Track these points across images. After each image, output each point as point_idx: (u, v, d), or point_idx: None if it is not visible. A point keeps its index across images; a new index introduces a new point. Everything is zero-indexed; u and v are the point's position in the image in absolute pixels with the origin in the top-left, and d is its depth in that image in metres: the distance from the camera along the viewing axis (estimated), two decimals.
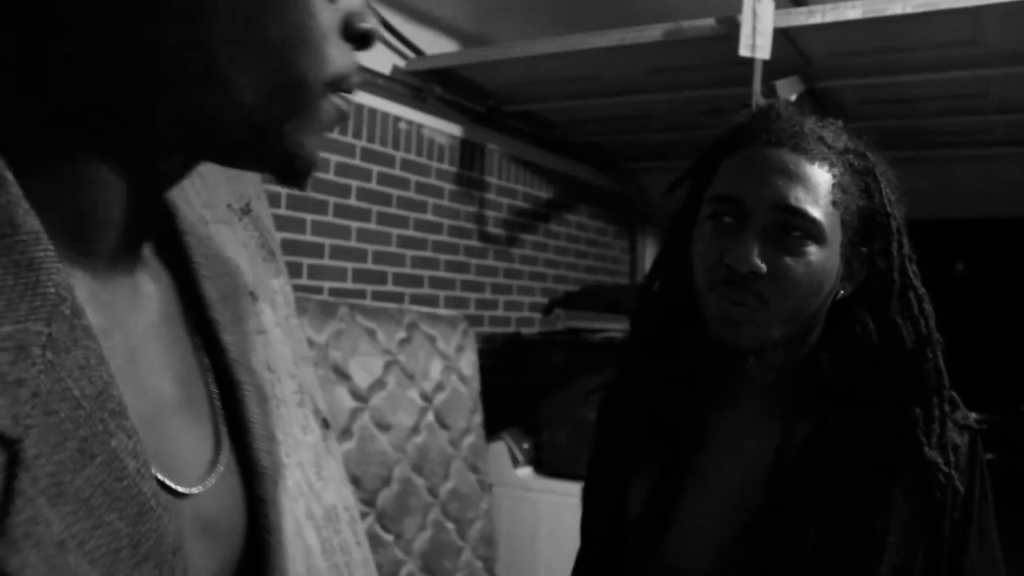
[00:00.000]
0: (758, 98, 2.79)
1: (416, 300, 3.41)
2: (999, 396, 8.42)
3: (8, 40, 0.50)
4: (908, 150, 4.06)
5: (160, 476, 0.56)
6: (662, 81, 3.26)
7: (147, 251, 0.62)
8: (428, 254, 3.50)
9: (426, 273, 3.49)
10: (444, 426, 3.03)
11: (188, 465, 0.59)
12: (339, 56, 0.56)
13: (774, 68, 2.78)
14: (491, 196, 3.85)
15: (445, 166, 3.58)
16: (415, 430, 2.91)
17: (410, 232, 3.40)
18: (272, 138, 0.55)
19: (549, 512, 3.41)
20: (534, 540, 3.44)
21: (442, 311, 3.36)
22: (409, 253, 3.40)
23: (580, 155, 4.40)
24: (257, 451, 0.66)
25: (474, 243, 3.76)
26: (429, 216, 3.50)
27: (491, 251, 3.86)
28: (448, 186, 3.60)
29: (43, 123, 0.52)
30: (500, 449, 3.46)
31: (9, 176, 0.48)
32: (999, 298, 9.69)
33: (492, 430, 3.41)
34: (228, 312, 0.68)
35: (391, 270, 3.31)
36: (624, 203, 4.84)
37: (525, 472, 3.50)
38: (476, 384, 3.21)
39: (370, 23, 0.57)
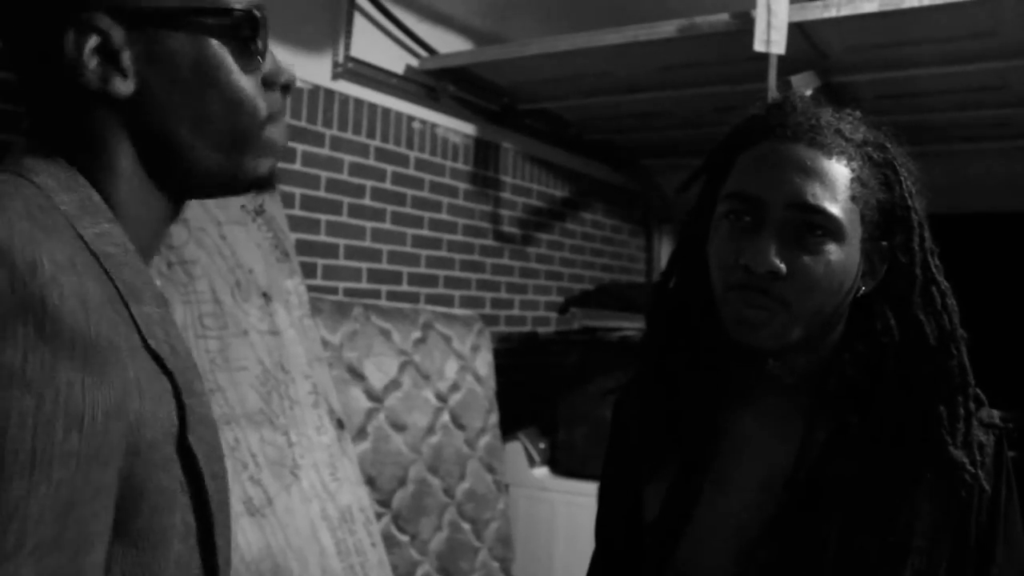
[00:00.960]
0: (773, 94, 2.76)
1: (431, 300, 3.40)
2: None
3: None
4: (927, 144, 4.03)
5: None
6: (676, 78, 3.24)
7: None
8: (443, 254, 3.49)
9: (441, 273, 3.48)
10: (460, 426, 3.02)
11: None
12: (267, 102, 0.86)
13: (789, 63, 2.75)
14: (506, 195, 3.84)
15: (459, 165, 3.57)
16: (430, 430, 2.89)
17: (425, 232, 3.39)
18: (239, 172, 0.86)
19: (565, 512, 3.40)
20: (551, 540, 3.42)
21: (457, 311, 3.35)
22: (424, 253, 3.39)
23: (595, 153, 4.38)
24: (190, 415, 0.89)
25: (489, 242, 3.74)
26: (444, 216, 3.49)
27: (506, 250, 3.85)
28: (463, 185, 3.59)
29: (138, 200, 0.84)
30: (516, 449, 3.44)
31: (118, 227, 0.79)
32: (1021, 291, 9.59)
33: (508, 430, 3.40)
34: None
35: (406, 270, 3.30)
36: (639, 201, 4.82)
37: (541, 472, 3.48)
38: (492, 384, 3.19)
39: (284, 77, 0.88)
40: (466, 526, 3.00)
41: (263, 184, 0.89)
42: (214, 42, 0.81)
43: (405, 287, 3.29)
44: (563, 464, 3.47)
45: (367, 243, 3.13)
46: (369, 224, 3.14)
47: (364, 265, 3.12)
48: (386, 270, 3.21)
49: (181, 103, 0.80)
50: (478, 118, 3.63)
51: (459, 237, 3.57)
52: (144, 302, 0.75)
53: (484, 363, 3.16)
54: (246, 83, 0.83)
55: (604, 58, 3.08)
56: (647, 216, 4.92)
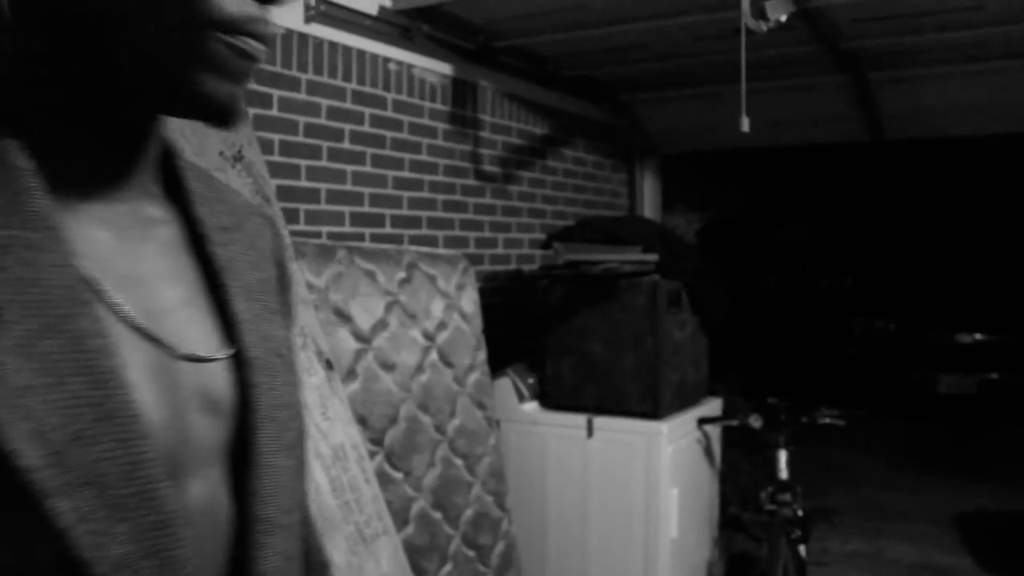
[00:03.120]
0: (748, 20, 2.76)
1: (415, 241, 3.41)
2: (1005, 317, 8.44)
3: (38, 49, 0.69)
4: (906, 68, 4.03)
5: (170, 343, 0.72)
6: (651, 8, 3.22)
7: (154, 188, 0.79)
8: (425, 195, 3.49)
9: (424, 214, 3.48)
10: (448, 364, 3.06)
11: (196, 349, 0.75)
12: (230, 2, 0.66)
13: None
14: (485, 134, 3.83)
15: (438, 106, 3.56)
16: (419, 369, 2.93)
17: (406, 173, 3.40)
18: (174, 82, 0.68)
19: (556, 444, 3.45)
20: (543, 472, 3.48)
21: (441, 251, 3.36)
22: (406, 195, 3.39)
23: (574, 89, 4.36)
24: (246, 344, 0.79)
25: (471, 182, 3.75)
26: (424, 157, 3.49)
27: (488, 189, 3.86)
28: (442, 126, 3.58)
29: (46, 100, 0.70)
30: (505, 385, 3.49)
31: (7, 132, 0.66)
32: (1004, 219, 9.65)
33: (496, 366, 3.43)
34: (224, 236, 0.83)
35: (389, 212, 3.31)
36: (620, 135, 4.82)
37: (531, 406, 3.53)
38: (478, 321, 3.22)
39: None
40: (459, 462, 3.05)
41: (210, 109, 0.71)
42: None
43: (388, 229, 3.30)
44: (552, 398, 3.52)
45: (348, 187, 3.13)
46: (349, 168, 3.14)
47: (347, 209, 3.13)
48: (369, 213, 3.22)
49: None
50: (454, 57, 3.61)
51: (440, 178, 3.57)
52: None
53: (470, 301, 3.19)
54: None
55: None
56: (629, 150, 4.93)
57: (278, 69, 2.88)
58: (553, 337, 3.50)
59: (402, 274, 2.95)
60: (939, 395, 8.40)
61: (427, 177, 3.50)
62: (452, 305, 3.11)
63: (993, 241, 9.41)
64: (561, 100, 4.31)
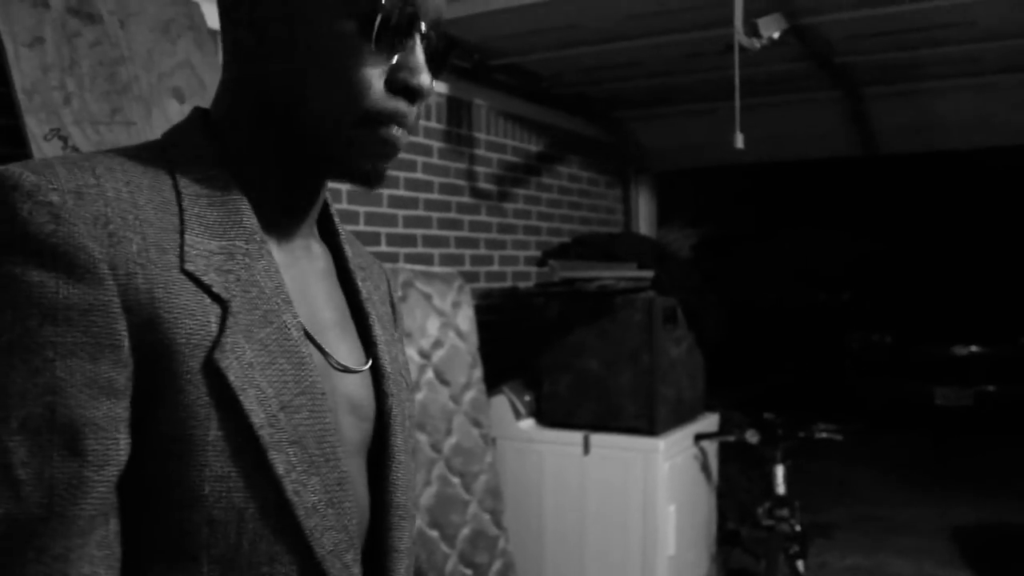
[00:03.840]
0: (741, 37, 2.77)
1: (410, 259, 3.41)
2: (1000, 329, 8.45)
3: (251, 113, 0.89)
4: (899, 83, 4.04)
5: (328, 354, 0.90)
6: (644, 26, 3.24)
7: (315, 229, 0.98)
8: (420, 213, 3.50)
9: (419, 232, 3.49)
10: (444, 382, 3.05)
11: (344, 361, 0.92)
12: (379, 99, 0.84)
13: (756, 6, 2.76)
14: (481, 152, 3.84)
15: (433, 124, 3.57)
16: (415, 387, 2.92)
17: (401, 192, 3.40)
18: (337, 159, 0.87)
19: (553, 462, 3.45)
20: (540, 490, 3.47)
21: (437, 268, 3.36)
22: (401, 213, 3.40)
23: (568, 106, 4.38)
24: (383, 360, 0.97)
25: (466, 200, 3.75)
26: (419, 175, 3.49)
27: (483, 207, 3.86)
28: (437, 144, 3.59)
29: (254, 152, 0.89)
30: (501, 402, 3.48)
31: (227, 170, 0.87)
32: (999, 231, 9.67)
33: (493, 384, 3.43)
34: (362, 272, 1.02)
35: (384, 230, 3.31)
36: (615, 152, 4.83)
37: (527, 424, 3.53)
38: (474, 339, 3.22)
39: (413, 80, 0.84)
40: (455, 480, 3.04)
41: (361, 179, 0.89)
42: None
43: (384, 248, 3.30)
44: (548, 415, 3.51)
45: (344, 206, 3.14)
46: (345, 187, 3.14)
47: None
48: (363, 232, 3.22)
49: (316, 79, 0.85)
50: (450, 76, 3.62)
51: (436, 196, 3.58)
52: (213, 236, 0.81)
53: (466, 319, 3.19)
54: (366, 67, 0.83)
55: (570, 9, 3.07)
56: (623, 167, 4.94)
57: None
58: (549, 354, 3.50)
59: (398, 293, 2.95)
60: (936, 408, 8.40)
61: (422, 195, 3.50)
62: (448, 323, 3.11)
63: (988, 253, 9.43)
64: (556, 117, 4.32)
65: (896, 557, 5.17)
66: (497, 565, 3.17)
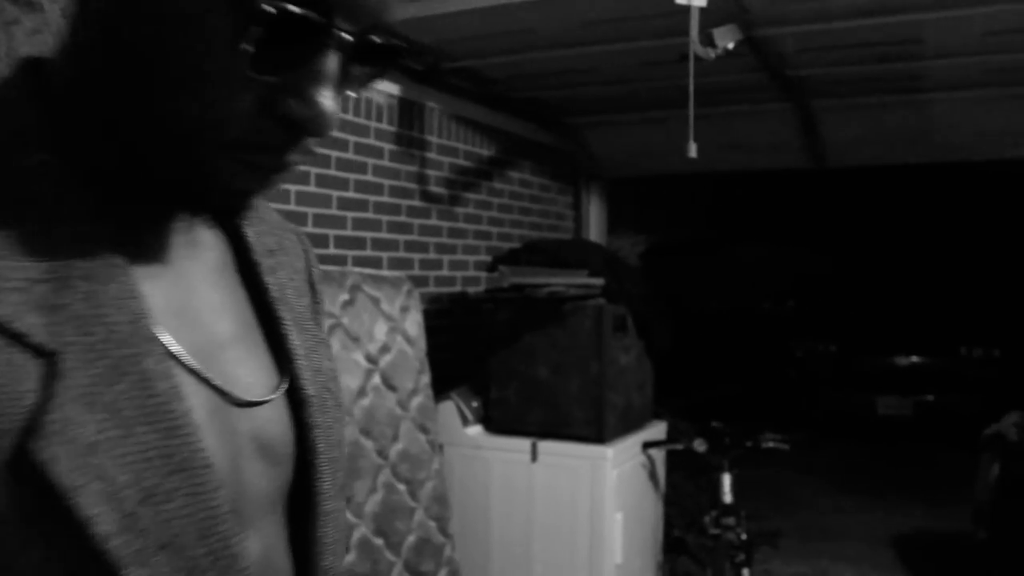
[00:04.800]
0: (696, 47, 2.77)
1: (359, 262, 3.37)
2: (940, 340, 8.61)
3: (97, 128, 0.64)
4: (846, 97, 4.09)
5: (225, 388, 0.66)
6: (599, 33, 3.23)
7: (206, 220, 0.73)
8: (370, 215, 3.45)
9: (368, 235, 3.44)
10: (391, 387, 3.01)
11: (248, 391, 0.69)
12: (246, 126, 0.60)
13: (711, 16, 2.76)
14: (432, 155, 3.80)
15: (384, 126, 3.53)
16: (361, 392, 2.88)
17: (350, 194, 3.35)
18: (177, 182, 0.63)
19: (500, 469, 3.42)
20: (487, 497, 3.44)
21: (385, 272, 3.32)
22: (350, 215, 3.35)
23: (521, 112, 4.36)
24: (303, 379, 0.74)
25: (416, 203, 3.71)
26: (369, 177, 3.45)
27: (434, 211, 3.83)
28: (388, 146, 3.55)
29: (106, 154, 0.64)
30: (449, 409, 3.45)
31: (58, 159, 0.61)
32: (940, 245, 9.86)
33: (441, 390, 3.40)
34: (271, 260, 0.79)
35: (332, 233, 3.26)
36: (567, 158, 4.83)
37: (475, 430, 3.50)
38: (422, 344, 3.18)
39: (300, 110, 0.60)
40: (401, 487, 3.00)
41: (220, 209, 0.68)
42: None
43: (332, 250, 3.25)
44: (496, 421, 3.49)
45: (292, 207, 3.08)
46: (293, 188, 3.09)
47: None
48: (312, 233, 3.17)
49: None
50: (402, 78, 3.58)
51: (385, 198, 3.53)
52: (31, 254, 0.57)
53: (414, 324, 3.15)
54: (238, 89, 0.59)
55: (527, 14, 3.05)
56: (575, 173, 4.93)
57: None
58: (498, 360, 3.47)
59: (345, 296, 2.90)
60: (878, 417, 8.53)
61: (372, 198, 3.46)
62: (396, 328, 3.07)
63: (929, 266, 9.61)
64: (508, 122, 4.30)
65: (838, 564, 5.22)
66: (443, 573, 3.13)
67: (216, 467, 0.61)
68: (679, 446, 3.66)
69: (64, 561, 0.54)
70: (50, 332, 0.55)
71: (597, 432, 3.31)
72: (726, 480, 3.66)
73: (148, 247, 0.66)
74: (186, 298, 0.68)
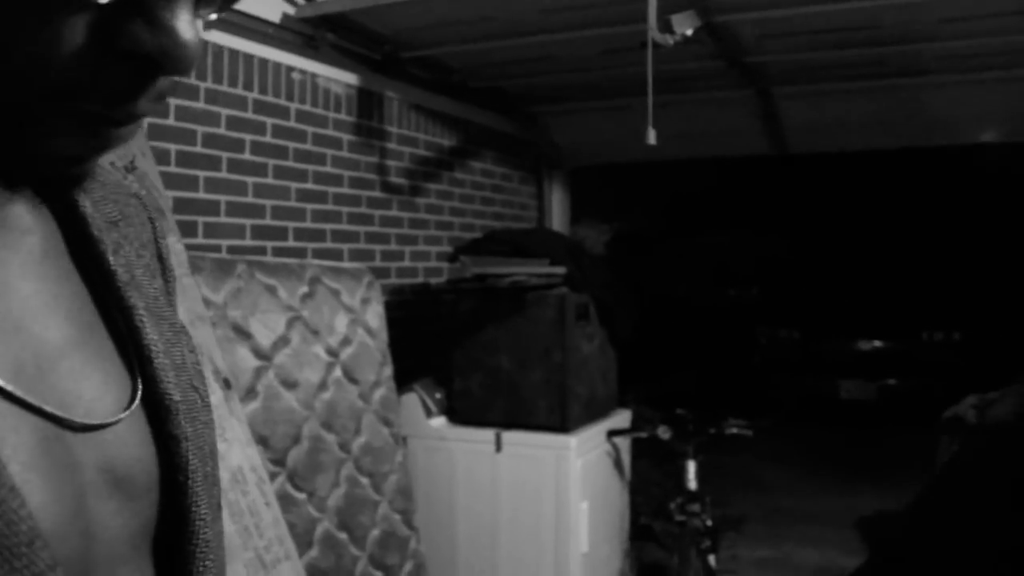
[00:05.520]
0: (655, 33, 2.76)
1: (319, 254, 3.33)
2: (902, 325, 8.71)
3: None
4: (805, 84, 4.11)
5: (59, 413, 0.51)
6: (559, 20, 3.21)
7: (20, 181, 0.55)
8: (329, 207, 3.41)
9: (328, 227, 3.41)
10: (353, 380, 2.98)
11: (91, 411, 0.53)
12: (74, 68, 0.47)
13: (670, 3, 2.76)
14: (392, 146, 3.77)
15: (343, 116, 3.49)
16: (323, 386, 2.85)
17: (309, 185, 3.32)
18: (3, 148, 0.50)
19: (464, 460, 3.40)
20: (451, 489, 3.43)
21: (345, 264, 3.29)
22: (309, 207, 3.31)
23: (482, 101, 4.33)
24: (164, 384, 0.60)
25: (376, 194, 3.68)
26: (328, 168, 3.41)
27: (395, 202, 3.79)
28: (347, 137, 3.51)
29: None
30: (412, 401, 3.43)
31: None
32: (901, 230, 9.96)
33: (403, 382, 3.37)
34: (115, 234, 0.62)
35: (291, 225, 3.22)
36: (529, 147, 4.81)
37: (439, 422, 3.48)
38: (384, 336, 3.16)
39: (151, 38, 0.47)
40: (364, 480, 2.97)
41: (46, 171, 0.54)
42: None
43: (291, 242, 3.22)
44: (460, 413, 3.47)
45: (249, 199, 3.04)
46: (251, 179, 3.05)
47: (247, 221, 3.03)
48: (271, 226, 3.13)
49: None
50: (360, 67, 3.54)
51: (345, 190, 3.50)
52: None
53: (375, 316, 3.12)
54: (68, 25, 0.46)
55: (485, 2, 3.03)
56: (537, 163, 4.92)
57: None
58: (461, 351, 3.45)
59: (305, 289, 2.87)
60: (841, 401, 8.62)
61: (331, 189, 3.42)
62: (357, 320, 3.04)
63: (891, 251, 9.70)
64: (469, 111, 4.27)
65: (803, 547, 5.27)
66: (408, 566, 3.12)
67: (51, 532, 0.47)
68: (643, 434, 3.67)
69: None
70: None
71: (561, 421, 3.31)
72: (691, 467, 3.67)
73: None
74: (2, 303, 0.52)
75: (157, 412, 0.59)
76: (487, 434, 3.37)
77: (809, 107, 4.30)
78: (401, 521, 3.10)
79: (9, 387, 0.48)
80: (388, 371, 3.15)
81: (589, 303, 3.47)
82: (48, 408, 0.50)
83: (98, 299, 0.59)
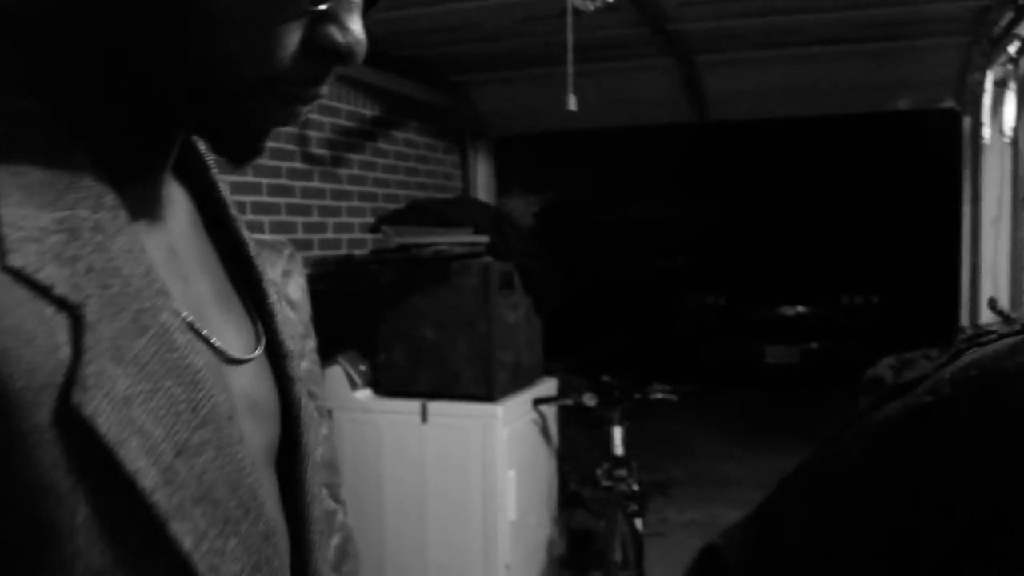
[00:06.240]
0: (575, 0, 2.76)
1: None
2: (824, 290, 8.90)
3: (93, 51, 0.61)
4: (728, 52, 4.14)
5: (221, 346, 0.66)
6: None
7: (172, 165, 0.69)
8: (249, 179, 3.35)
9: (248, 199, 3.34)
10: None
11: (232, 348, 0.67)
12: (293, 61, 0.59)
13: None
14: (313, 116, 3.71)
15: None
16: None
17: None
18: (206, 126, 0.64)
19: (391, 432, 3.39)
20: (378, 461, 3.42)
21: (266, 236, 3.23)
22: (228, 179, 3.23)
23: (404, 70, 4.28)
24: (281, 335, 0.75)
25: (297, 165, 3.62)
26: None
27: (316, 173, 3.74)
28: None
29: (102, 96, 0.62)
30: (337, 373, 3.40)
31: (43, 105, 0.57)
32: (823, 197, 10.15)
33: (328, 354, 3.33)
34: (237, 214, 0.78)
35: None
36: (453, 117, 4.77)
37: (364, 394, 3.46)
38: (307, 309, 3.11)
39: (342, 37, 0.60)
40: None
41: (229, 151, 0.65)
42: None
43: None
44: (385, 384, 3.45)
45: None
46: None
47: None
48: None
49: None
50: None
51: (265, 161, 3.43)
52: (42, 205, 0.54)
53: (297, 288, 3.08)
54: (284, 18, 0.59)
55: None
56: (462, 133, 4.89)
57: None
58: (385, 323, 3.43)
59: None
60: (766, 366, 8.79)
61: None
62: (278, 293, 2.99)
63: (813, 218, 9.89)
64: (391, 81, 4.22)
65: (730, 509, 5.35)
66: (336, 540, 3.10)
67: (235, 419, 0.62)
68: (569, 401, 3.70)
69: (110, 518, 0.53)
70: (71, 284, 0.53)
71: (487, 390, 3.31)
72: (617, 433, 3.72)
73: (140, 199, 0.64)
74: (173, 255, 0.66)
75: (276, 358, 0.74)
76: (413, 405, 3.36)
77: (730, 75, 4.33)
78: (328, 495, 3.08)
79: (196, 322, 0.63)
80: (312, 343, 3.11)
81: (513, 272, 3.47)
82: (214, 340, 0.65)
83: (226, 265, 0.74)
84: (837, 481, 0.96)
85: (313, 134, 3.70)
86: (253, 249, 0.77)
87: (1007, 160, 3.99)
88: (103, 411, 0.52)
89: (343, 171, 3.91)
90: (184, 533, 0.55)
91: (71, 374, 0.51)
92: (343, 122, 3.91)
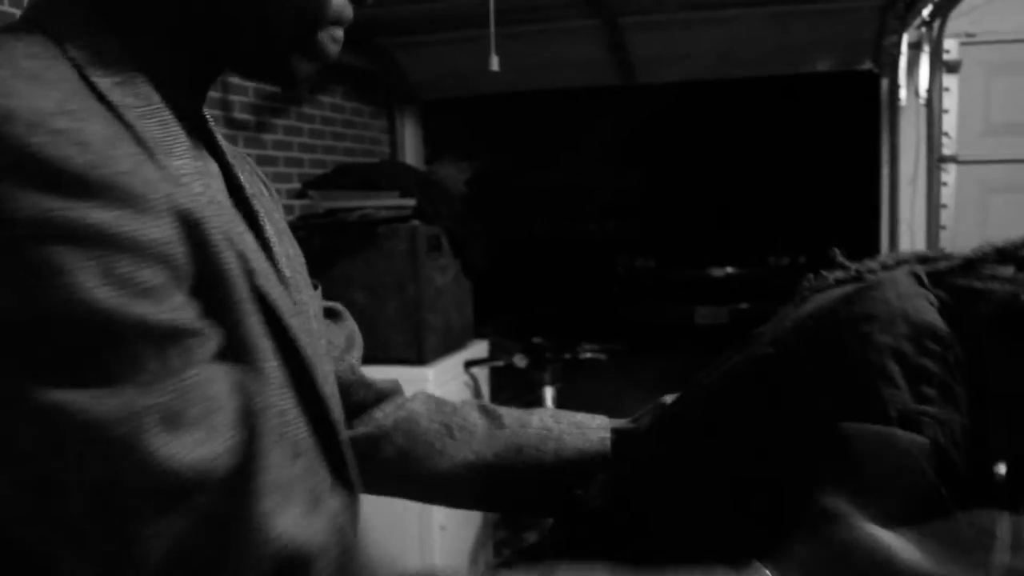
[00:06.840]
0: None
1: None
2: (752, 251, 9.06)
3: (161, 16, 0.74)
4: (653, 14, 4.16)
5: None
6: None
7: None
8: None
9: None
10: None
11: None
12: (328, 9, 0.75)
13: None
14: (235, 80, 3.65)
15: None
16: None
17: None
18: (276, 59, 0.77)
19: None
20: None
21: None
22: None
23: None
24: (279, 265, 0.86)
25: (221, 130, 3.56)
26: None
27: (240, 138, 3.69)
28: None
29: (170, 57, 0.75)
30: None
31: (142, 72, 0.71)
32: (749, 158, 10.30)
33: None
34: (237, 160, 0.91)
35: None
36: (380, 81, 4.73)
37: None
38: None
39: None
40: None
41: (294, 82, 0.81)
42: None
43: None
44: None
45: None
46: None
47: None
48: None
49: None
50: None
51: None
52: (175, 155, 0.68)
53: None
54: None
55: None
56: (388, 97, 4.85)
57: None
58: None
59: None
60: (696, 327, 8.93)
61: None
62: None
63: (741, 180, 10.04)
64: None
65: None
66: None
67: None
68: (500, 362, 3.73)
69: (283, 370, 0.72)
70: (213, 218, 0.68)
71: (417, 354, 3.33)
72: (548, 393, 3.76)
73: (202, 148, 0.82)
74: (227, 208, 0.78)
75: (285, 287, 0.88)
76: None
77: (656, 38, 4.36)
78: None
79: (285, 270, 0.86)
80: None
81: (441, 235, 3.48)
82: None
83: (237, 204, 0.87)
84: (692, 427, 0.99)
85: (236, 99, 3.65)
86: (251, 188, 0.89)
87: (922, 122, 4.09)
88: (273, 288, 0.73)
89: (268, 136, 3.87)
90: (319, 378, 0.76)
91: (247, 264, 0.70)
92: (267, 87, 3.85)
